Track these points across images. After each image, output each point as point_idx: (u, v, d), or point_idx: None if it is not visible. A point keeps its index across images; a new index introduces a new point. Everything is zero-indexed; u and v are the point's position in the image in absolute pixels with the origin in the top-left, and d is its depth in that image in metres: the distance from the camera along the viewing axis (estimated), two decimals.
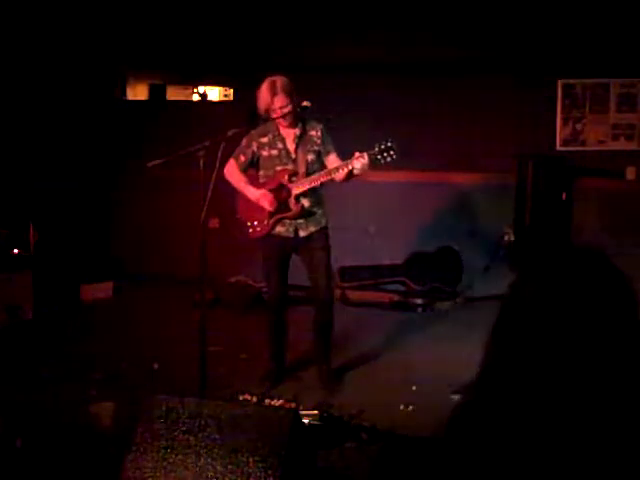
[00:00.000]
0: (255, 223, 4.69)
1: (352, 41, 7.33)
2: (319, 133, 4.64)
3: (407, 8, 7.17)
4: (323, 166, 4.65)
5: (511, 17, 6.97)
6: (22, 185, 6.97)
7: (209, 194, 3.87)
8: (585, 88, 7.13)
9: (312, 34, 7.47)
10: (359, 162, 4.31)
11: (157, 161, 4.00)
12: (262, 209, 4.63)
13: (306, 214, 4.64)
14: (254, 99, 4.56)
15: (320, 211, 4.71)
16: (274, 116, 4.49)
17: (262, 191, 4.62)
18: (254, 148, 4.67)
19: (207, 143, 3.94)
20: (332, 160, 4.63)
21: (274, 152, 4.63)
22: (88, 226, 7.71)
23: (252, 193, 4.66)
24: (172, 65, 8.29)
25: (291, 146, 4.63)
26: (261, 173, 4.71)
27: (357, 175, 4.44)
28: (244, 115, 7.11)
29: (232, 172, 4.72)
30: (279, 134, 4.63)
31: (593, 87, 7.12)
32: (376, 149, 4.31)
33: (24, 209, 6.74)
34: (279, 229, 4.67)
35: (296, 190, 4.56)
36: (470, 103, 7.22)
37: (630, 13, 6.63)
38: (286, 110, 4.45)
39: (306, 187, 4.54)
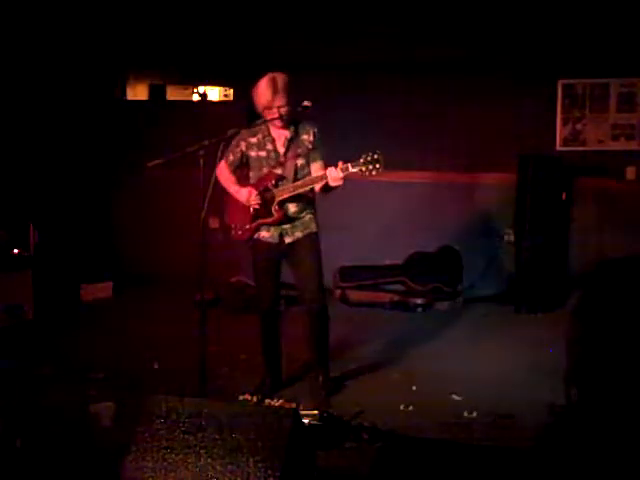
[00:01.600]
0: (237, 225, 4.54)
1: (352, 41, 7.33)
2: (311, 137, 4.44)
3: (408, 8, 7.18)
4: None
5: (511, 17, 6.97)
6: (22, 185, 6.97)
7: (209, 194, 3.87)
8: (585, 88, 7.13)
9: (312, 34, 7.47)
10: (333, 172, 4.16)
11: (157, 161, 4.00)
12: (246, 212, 4.47)
13: (292, 219, 4.47)
14: (251, 97, 4.46)
15: (309, 216, 4.52)
16: (270, 116, 4.33)
17: (248, 189, 4.46)
18: (242, 147, 4.52)
19: (207, 143, 3.93)
20: (315, 169, 4.44)
21: (262, 153, 4.46)
22: (88, 226, 7.71)
23: (237, 191, 4.51)
24: (172, 65, 8.30)
25: (281, 149, 4.44)
26: (251, 174, 4.55)
27: (334, 188, 4.25)
28: (244, 115, 7.12)
29: (222, 171, 4.54)
30: (269, 135, 4.45)
31: (593, 87, 7.12)
32: (361, 160, 4.12)
33: (24, 209, 6.74)
34: (264, 234, 4.51)
35: (280, 196, 4.39)
36: (470, 103, 7.21)
37: (630, 13, 6.63)
38: (284, 110, 4.31)
39: (288, 194, 4.37)
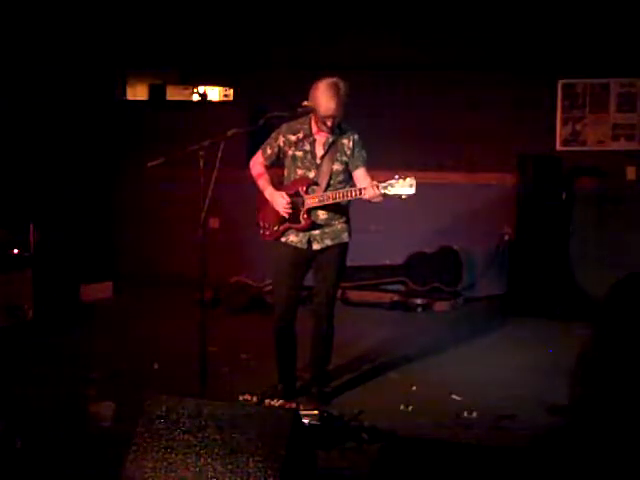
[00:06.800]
0: (266, 225, 4.42)
1: (351, 40, 7.34)
2: (351, 143, 4.30)
3: (407, 7, 7.19)
4: (349, 179, 4.34)
5: (511, 17, 6.98)
6: (22, 185, 6.97)
7: (209, 194, 3.87)
8: (585, 88, 7.13)
9: (312, 33, 7.48)
10: (371, 191, 4.06)
11: (157, 161, 4.00)
12: (275, 214, 4.33)
13: (322, 226, 4.33)
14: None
15: (341, 225, 4.39)
16: (325, 114, 4.16)
17: (280, 193, 4.31)
18: (280, 143, 4.35)
19: (207, 143, 3.92)
20: (358, 176, 4.30)
21: (299, 153, 4.31)
22: (88, 226, 7.70)
23: (269, 193, 4.36)
24: (172, 65, 8.30)
25: (320, 151, 4.29)
26: (285, 173, 4.41)
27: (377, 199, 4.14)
28: (244, 115, 7.13)
29: (255, 164, 4.44)
30: (311, 134, 4.31)
31: (593, 87, 7.12)
32: (392, 181, 4.02)
33: (24, 209, 6.74)
34: (292, 238, 4.34)
35: (309, 203, 4.25)
36: (470, 103, 7.21)
37: (630, 13, 6.64)
38: (339, 119, 4.22)
39: (318, 204, 4.25)
